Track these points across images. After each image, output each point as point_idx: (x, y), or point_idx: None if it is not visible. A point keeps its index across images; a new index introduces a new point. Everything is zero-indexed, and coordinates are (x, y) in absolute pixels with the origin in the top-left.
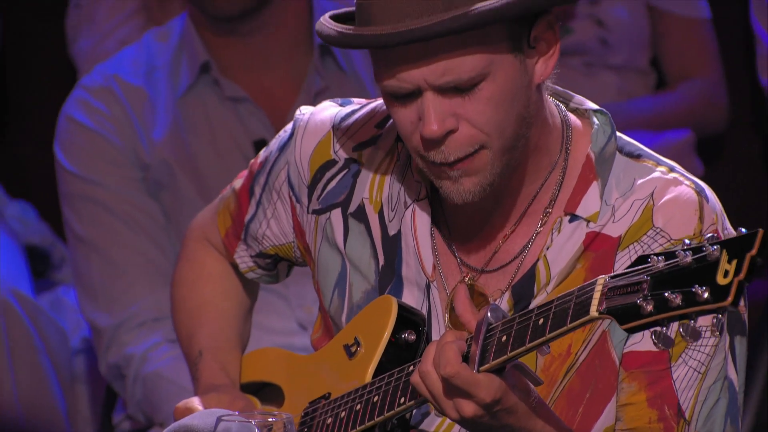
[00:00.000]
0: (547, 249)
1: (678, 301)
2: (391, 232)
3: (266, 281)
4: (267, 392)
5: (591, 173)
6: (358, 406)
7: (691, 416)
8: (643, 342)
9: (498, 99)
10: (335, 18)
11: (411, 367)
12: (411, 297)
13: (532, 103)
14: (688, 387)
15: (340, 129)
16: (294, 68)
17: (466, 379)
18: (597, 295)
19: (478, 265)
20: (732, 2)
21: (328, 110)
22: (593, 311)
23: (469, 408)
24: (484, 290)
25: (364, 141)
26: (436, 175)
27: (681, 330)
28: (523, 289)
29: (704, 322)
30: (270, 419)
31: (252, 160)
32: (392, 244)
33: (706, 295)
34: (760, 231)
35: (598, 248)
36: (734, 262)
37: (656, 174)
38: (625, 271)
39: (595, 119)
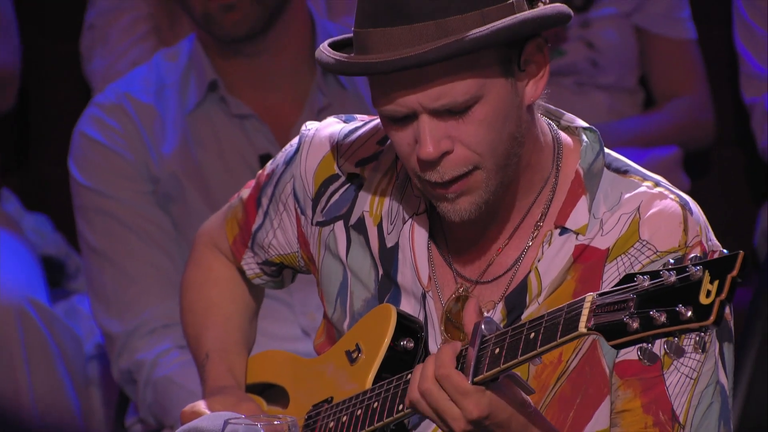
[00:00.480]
0: (539, 261)
1: (663, 319)
2: (389, 244)
3: (272, 287)
4: (272, 393)
5: (580, 188)
6: (359, 412)
7: (686, 420)
8: (635, 351)
9: (490, 120)
10: (334, 45)
11: (409, 375)
12: (408, 306)
13: (523, 122)
14: (681, 393)
15: (343, 145)
16: (297, 86)
17: (456, 385)
18: (585, 311)
19: (472, 276)
20: (717, 24)
21: (333, 126)
22: (582, 327)
23: (459, 424)
24: (479, 301)
25: (367, 157)
26: (433, 197)
27: (665, 347)
28: (516, 300)
29: (688, 338)
30: (275, 422)
31: (259, 172)
32: (389, 255)
33: (689, 314)
34: (741, 253)
35: (586, 260)
36: (716, 283)
37: (642, 188)
38: (613, 289)
39: (584, 136)
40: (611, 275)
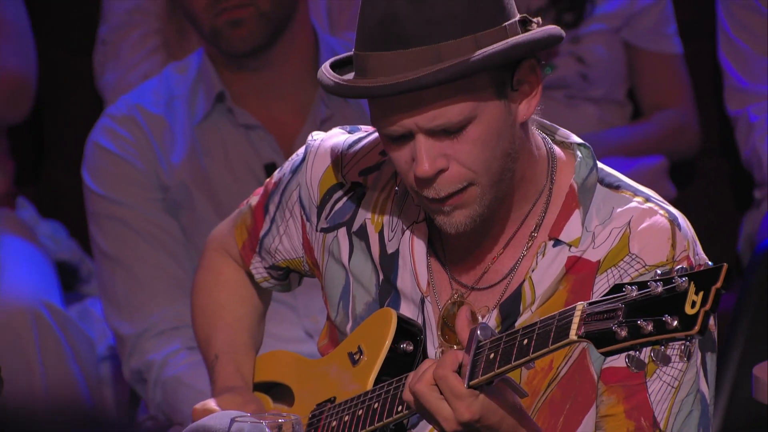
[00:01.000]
0: (533, 271)
1: (650, 328)
2: (390, 250)
3: (279, 290)
4: (278, 391)
5: (574, 202)
6: (360, 412)
7: (666, 427)
8: (621, 359)
9: (484, 139)
10: (336, 64)
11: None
12: (407, 310)
13: (516, 139)
14: (662, 400)
15: (347, 155)
16: (301, 98)
17: (452, 386)
18: (576, 320)
19: (469, 283)
20: (702, 39)
21: (337, 137)
22: (572, 335)
23: (450, 425)
24: (474, 307)
25: (369, 167)
26: (430, 210)
27: (652, 354)
28: (510, 307)
29: (674, 347)
30: (279, 420)
31: (267, 180)
32: (390, 261)
33: (675, 323)
34: (725, 266)
35: (578, 271)
36: (701, 294)
37: (633, 204)
38: (602, 298)
39: (578, 152)
40: (601, 286)
